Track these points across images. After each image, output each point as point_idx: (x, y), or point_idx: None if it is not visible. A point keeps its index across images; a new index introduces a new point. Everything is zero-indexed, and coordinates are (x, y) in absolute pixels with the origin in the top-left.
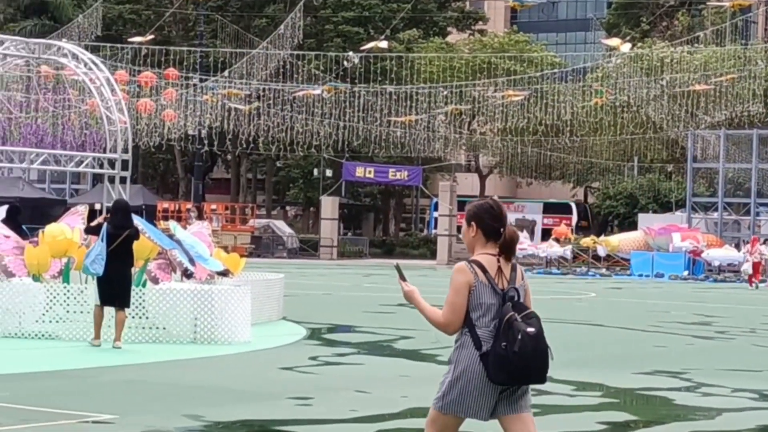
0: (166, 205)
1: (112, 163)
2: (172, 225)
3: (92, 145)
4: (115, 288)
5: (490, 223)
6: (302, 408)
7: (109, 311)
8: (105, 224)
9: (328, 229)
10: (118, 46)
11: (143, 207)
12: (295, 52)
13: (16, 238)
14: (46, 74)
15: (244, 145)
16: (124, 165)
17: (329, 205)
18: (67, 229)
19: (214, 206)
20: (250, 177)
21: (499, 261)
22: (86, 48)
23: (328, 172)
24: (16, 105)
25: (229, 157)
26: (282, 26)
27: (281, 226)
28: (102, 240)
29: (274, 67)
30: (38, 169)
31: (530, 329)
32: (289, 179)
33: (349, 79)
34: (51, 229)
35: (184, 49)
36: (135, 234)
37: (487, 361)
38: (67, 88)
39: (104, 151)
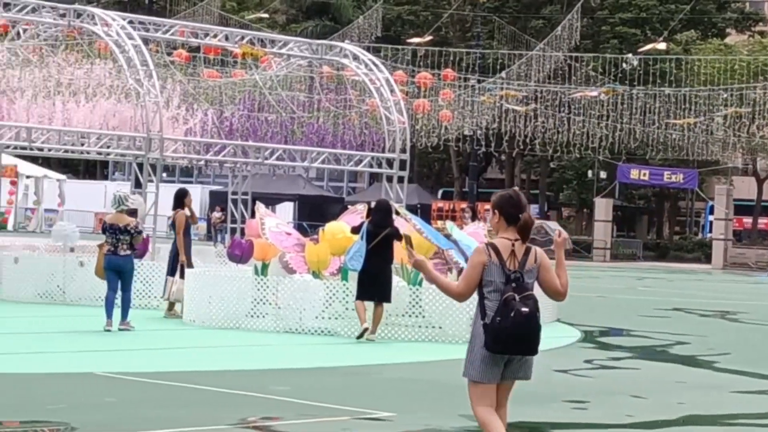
0: (440, 204)
1: (390, 163)
2: (449, 225)
3: (371, 145)
4: (374, 283)
5: (510, 211)
6: (578, 411)
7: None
8: (365, 223)
9: (602, 230)
10: (399, 47)
11: (418, 206)
12: (572, 54)
13: (297, 235)
14: (328, 75)
15: (521, 146)
16: (402, 165)
17: (603, 207)
18: (347, 228)
19: (488, 206)
20: (524, 177)
21: (513, 245)
22: (366, 49)
23: (602, 174)
24: (299, 105)
25: (503, 157)
26: (559, 27)
27: (554, 227)
28: (362, 238)
29: (550, 69)
30: (317, 167)
31: (524, 309)
32: (563, 180)
33: (627, 81)
34: (331, 227)
35: (462, 50)
36: (394, 233)
37: (487, 331)
38: (348, 88)
39: (383, 151)
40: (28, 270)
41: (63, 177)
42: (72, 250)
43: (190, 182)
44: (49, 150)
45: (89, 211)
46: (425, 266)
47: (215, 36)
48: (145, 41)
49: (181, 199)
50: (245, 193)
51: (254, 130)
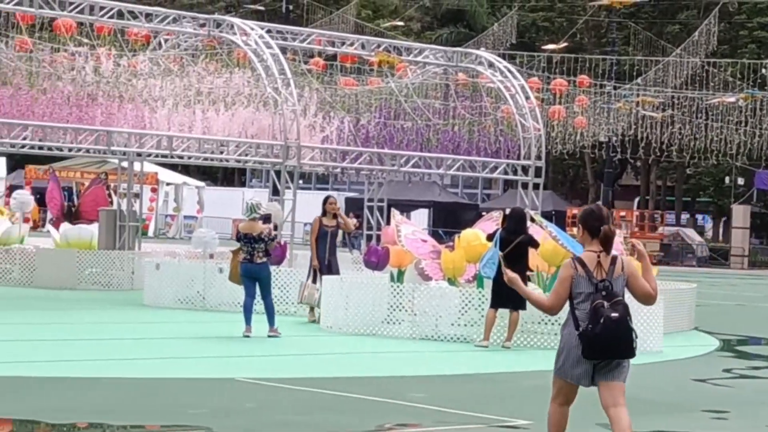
0: (575, 211)
1: (525, 170)
2: None
3: (506, 152)
4: (508, 291)
5: (593, 224)
6: (717, 422)
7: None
8: (499, 230)
9: (739, 238)
10: (534, 54)
11: (553, 213)
12: (709, 59)
13: (433, 242)
14: (463, 82)
15: (657, 153)
16: (537, 172)
17: (740, 214)
18: (482, 235)
19: (623, 213)
20: (660, 184)
21: (599, 256)
22: (501, 56)
23: (740, 180)
24: (435, 112)
25: (638, 164)
26: (696, 33)
27: (691, 234)
28: (495, 245)
29: (687, 75)
30: (452, 174)
31: (614, 314)
32: (699, 187)
33: (767, 86)
34: (467, 234)
35: (597, 56)
36: (528, 240)
37: (582, 339)
38: (483, 95)
39: (518, 158)
40: (168, 276)
41: (202, 184)
42: (212, 256)
43: (326, 189)
44: (189, 158)
45: (227, 218)
46: (518, 282)
47: (351, 44)
48: (283, 50)
49: (322, 205)
50: (381, 200)
51: (390, 138)
